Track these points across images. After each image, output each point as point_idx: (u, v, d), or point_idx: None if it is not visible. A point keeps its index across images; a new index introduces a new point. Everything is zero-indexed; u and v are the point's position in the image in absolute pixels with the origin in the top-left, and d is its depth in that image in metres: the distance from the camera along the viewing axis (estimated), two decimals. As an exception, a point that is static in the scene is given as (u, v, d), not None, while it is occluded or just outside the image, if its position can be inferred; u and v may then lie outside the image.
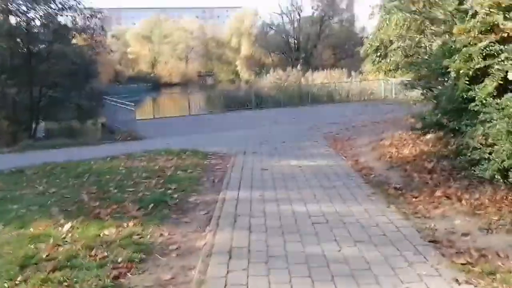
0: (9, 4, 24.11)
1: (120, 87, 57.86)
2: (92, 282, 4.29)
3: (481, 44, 6.26)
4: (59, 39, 25.36)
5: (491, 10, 6.20)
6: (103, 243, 5.29)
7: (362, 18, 62.25)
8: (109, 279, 4.36)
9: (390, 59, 28.19)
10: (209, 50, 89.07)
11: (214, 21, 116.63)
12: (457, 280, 4.05)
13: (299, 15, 68.94)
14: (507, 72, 5.94)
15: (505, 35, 6.23)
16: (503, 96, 5.89)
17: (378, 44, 30.19)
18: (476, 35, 6.41)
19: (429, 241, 4.95)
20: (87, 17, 26.05)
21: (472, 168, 6.04)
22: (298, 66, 38.11)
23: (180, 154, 10.98)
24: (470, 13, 6.64)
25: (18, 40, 24.42)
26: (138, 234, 5.60)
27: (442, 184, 6.91)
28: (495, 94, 6.05)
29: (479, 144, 5.87)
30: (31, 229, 5.93)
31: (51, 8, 25.00)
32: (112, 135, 18.33)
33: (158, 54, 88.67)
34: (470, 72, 6.40)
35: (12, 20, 24.66)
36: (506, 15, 6.20)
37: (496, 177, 5.61)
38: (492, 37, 6.26)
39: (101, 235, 5.61)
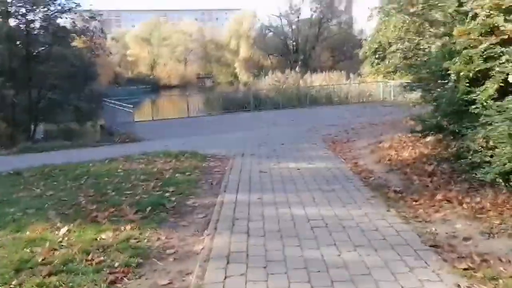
0: (9, 7, 24.07)
1: (119, 89, 57.97)
2: (88, 287, 4.24)
3: (482, 46, 6.22)
4: (58, 42, 25.43)
5: (492, 12, 6.16)
6: (99, 247, 5.22)
7: (360, 20, 62.24)
8: (106, 284, 4.30)
9: (388, 61, 28.35)
10: (208, 52, 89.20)
11: (213, 24, 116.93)
12: (459, 286, 3.99)
13: (298, 17, 69.06)
14: (508, 74, 5.90)
15: (506, 37, 6.19)
16: (504, 99, 5.85)
17: (376, 46, 30.49)
18: (476, 37, 6.36)
19: (430, 246, 4.87)
20: (86, 19, 26.03)
21: (473, 171, 5.98)
22: (297, 68, 38.11)
23: (179, 156, 10.92)
24: (470, 15, 6.59)
25: (17, 42, 24.38)
26: (135, 238, 5.53)
27: (442, 187, 6.84)
28: (496, 96, 6.01)
29: (480, 147, 5.81)
30: (28, 233, 5.86)
31: (50, 10, 25.05)
32: (111, 137, 18.28)
33: (157, 56, 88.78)
34: (471, 74, 6.36)
35: (12, 22, 24.65)
36: (507, 17, 6.15)
37: (497, 180, 5.56)
38: (493, 39, 6.21)
39: (98, 239, 5.54)
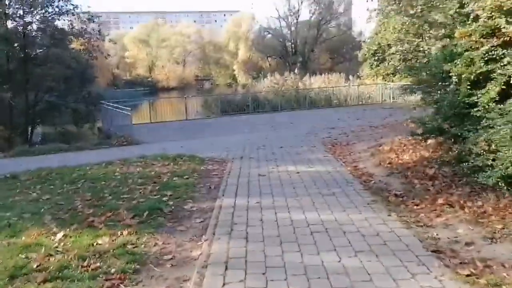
0: (6, 9, 24.00)
1: (117, 91, 57.92)
2: (84, 294, 4.15)
3: (483, 48, 6.16)
4: (56, 44, 25.36)
5: (493, 13, 6.09)
6: (96, 253, 5.13)
7: (360, 22, 62.17)
8: (101, 291, 4.22)
9: (388, 63, 28.35)
10: (207, 54, 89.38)
11: (212, 25, 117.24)
12: (462, 293, 3.91)
13: (297, 19, 69.20)
14: (510, 76, 5.83)
15: (507, 39, 6.13)
16: (506, 101, 5.78)
17: (376, 48, 30.48)
18: (477, 39, 6.30)
19: (432, 251, 4.79)
20: (84, 21, 25.95)
21: (475, 175, 5.90)
22: (296, 70, 38.08)
23: (177, 159, 10.84)
24: (471, 16, 6.52)
25: (15, 44, 24.30)
26: (132, 243, 5.45)
27: (443, 191, 6.76)
28: (498, 99, 5.94)
29: (482, 151, 5.73)
30: (23, 238, 5.77)
31: (48, 12, 24.98)
32: (109, 140, 18.14)
33: (155, 58, 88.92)
34: (472, 77, 6.29)
35: (9, 24, 24.56)
36: (508, 18, 6.09)
37: (499, 184, 5.48)
38: (494, 41, 6.15)
39: (94, 244, 5.46)
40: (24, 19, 24.73)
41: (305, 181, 8.28)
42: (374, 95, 27.82)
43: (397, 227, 5.58)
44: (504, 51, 6.03)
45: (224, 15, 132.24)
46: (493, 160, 5.57)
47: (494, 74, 6.06)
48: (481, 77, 6.29)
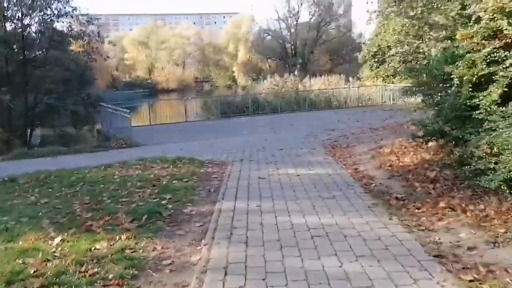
0: (5, 11, 23.95)
1: (117, 93, 57.90)
2: (81, 301, 4.09)
3: (485, 50, 6.11)
4: (55, 46, 25.31)
5: (495, 15, 6.03)
6: (94, 258, 5.07)
7: (359, 23, 62.15)
8: (99, 297, 4.16)
9: (388, 65, 28.29)
10: (206, 56, 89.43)
11: (211, 27, 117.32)
12: (465, 299, 3.85)
13: (296, 20, 69.21)
14: (512, 79, 5.77)
15: (509, 40, 6.08)
16: (508, 104, 5.73)
17: (376, 50, 30.44)
18: (479, 41, 6.24)
19: (434, 256, 4.73)
20: (83, 23, 25.90)
21: (477, 178, 5.84)
22: (295, 72, 38.07)
23: (176, 162, 10.77)
24: (473, 18, 6.47)
25: (14, 46, 24.24)
26: (130, 248, 5.38)
27: (445, 194, 6.69)
28: (499, 101, 5.88)
29: (483, 154, 5.66)
30: (20, 243, 5.70)
31: (47, 14, 24.92)
32: (108, 142, 18.08)
33: (155, 60, 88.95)
34: (474, 79, 6.24)
35: (8, 26, 24.52)
36: (510, 20, 6.03)
37: (502, 188, 5.42)
38: (496, 43, 6.10)
39: (92, 249, 5.39)
40: (23, 21, 24.69)
41: (305, 184, 8.22)
42: (374, 96, 27.78)
43: (398, 231, 5.52)
44: (506, 53, 5.97)
45: (224, 17, 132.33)
46: (495, 163, 5.50)
47: (496, 76, 6.01)
48: (482, 79, 6.23)
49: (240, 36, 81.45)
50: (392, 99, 26.21)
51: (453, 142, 7.34)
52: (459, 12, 6.99)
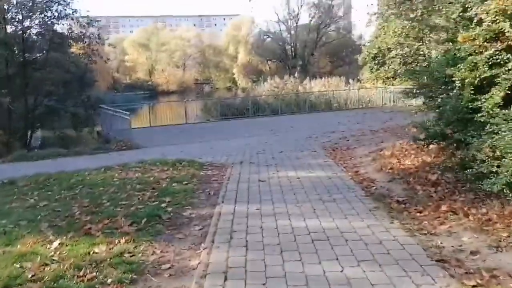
0: (5, 13, 23.92)
1: (117, 95, 57.93)
2: (79, 306, 4.05)
3: (487, 53, 6.05)
4: (55, 48, 25.29)
5: (497, 17, 5.98)
6: (92, 262, 5.02)
7: (359, 25, 62.20)
8: (97, 302, 4.11)
9: (388, 67, 28.30)
10: (206, 58, 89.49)
11: (212, 29, 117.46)
12: (468, 305, 3.80)
13: (296, 23, 69.28)
14: (514, 81, 5.72)
15: (512, 43, 6.02)
16: (511, 107, 5.68)
17: (376, 52, 30.44)
18: (481, 43, 6.19)
19: (437, 260, 4.66)
20: (84, 25, 25.87)
21: (479, 181, 5.78)
22: (296, 74, 38.04)
23: (176, 164, 10.73)
24: (475, 20, 6.41)
25: (14, 48, 24.22)
26: (129, 252, 5.33)
27: (447, 197, 6.63)
28: (502, 104, 5.83)
29: (486, 157, 5.61)
30: (18, 246, 5.65)
31: (47, 16, 24.90)
32: (108, 144, 18.06)
33: (155, 62, 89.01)
34: (476, 82, 6.18)
35: (8, 28, 24.49)
36: (513, 22, 5.98)
37: (504, 191, 5.36)
38: (498, 45, 6.04)
39: (91, 253, 5.34)
40: (23, 24, 24.67)
41: (306, 187, 8.17)
42: (374, 98, 27.74)
43: (400, 235, 5.46)
44: (509, 55, 5.92)
45: (224, 19, 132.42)
46: (498, 166, 5.44)
47: (498, 79, 5.95)
48: (485, 82, 6.18)
49: (240, 38, 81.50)
50: (392, 101, 26.18)
51: (455, 145, 7.29)
52: (460, 14, 6.94)
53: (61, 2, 25.12)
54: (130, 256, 5.22)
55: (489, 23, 6.09)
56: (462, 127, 6.65)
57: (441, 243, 5.18)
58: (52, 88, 24.55)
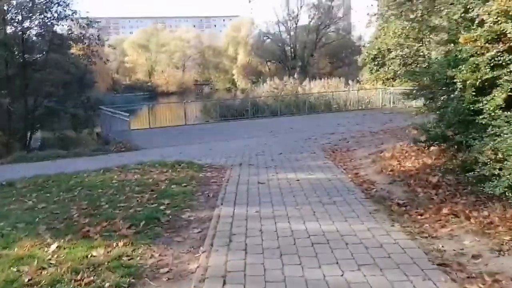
0: (5, 14, 23.87)
1: (117, 96, 57.91)
2: (76, 310, 3.99)
3: (489, 54, 6.00)
4: (55, 49, 25.23)
5: (499, 18, 5.93)
6: (90, 266, 4.96)
7: (359, 26, 62.27)
8: (94, 307, 4.06)
9: (388, 68, 28.27)
10: (206, 59, 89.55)
11: (211, 30, 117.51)
12: (470, 310, 3.74)
13: (296, 24, 69.28)
14: (516, 83, 5.67)
15: (514, 44, 5.97)
16: (513, 109, 5.63)
17: (376, 53, 30.42)
18: (483, 44, 6.14)
19: (438, 265, 4.61)
20: (83, 26, 25.83)
21: (481, 184, 5.72)
22: (295, 75, 38.00)
23: (175, 166, 10.68)
24: (476, 21, 6.36)
25: (14, 49, 24.16)
26: (127, 255, 5.28)
27: (448, 200, 6.57)
28: (504, 106, 5.78)
29: (488, 159, 5.55)
30: (15, 250, 5.60)
31: (46, 17, 24.84)
32: (107, 145, 18.01)
33: (155, 63, 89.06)
34: (477, 83, 6.13)
35: (8, 29, 24.43)
36: (515, 23, 5.93)
37: (507, 194, 5.30)
38: (500, 46, 5.99)
39: (88, 256, 5.28)
40: (23, 25, 24.60)
41: (305, 189, 8.11)
42: (374, 100, 27.70)
43: (401, 238, 5.40)
44: (511, 56, 5.87)
45: (224, 20, 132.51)
46: (500, 169, 5.39)
47: (500, 81, 5.90)
48: (486, 84, 6.12)
49: (239, 39, 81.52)
50: (392, 102, 26.14)
51: (456, 147, 7.23)
52: (462, 15, 6.89)
53: (60, 3, 25.09)
54: (128, 260, 5.17)
55: (491, 24, 6.04)
56: (463, 129, 6.59)
57: (442, 246, 5.13)
58: (52, 89, 24.48)
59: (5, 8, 23.93)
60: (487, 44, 6.14)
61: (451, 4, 7.57)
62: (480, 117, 5.98)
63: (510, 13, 5.84)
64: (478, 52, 6.23)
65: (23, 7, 24.18)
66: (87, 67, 27.92)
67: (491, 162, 5.52)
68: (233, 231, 5.98)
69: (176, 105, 32.58)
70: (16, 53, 24.44)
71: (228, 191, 8.24)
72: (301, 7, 68.22)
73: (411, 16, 15.09)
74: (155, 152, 13.91)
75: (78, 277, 4.66)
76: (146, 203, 7.61)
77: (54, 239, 5.88)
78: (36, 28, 25.33)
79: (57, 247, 5.59)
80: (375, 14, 22.31)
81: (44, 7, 24.51)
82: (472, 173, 5.90)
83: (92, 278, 4.65)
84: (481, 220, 5.66)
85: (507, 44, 5.96)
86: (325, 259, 4.90)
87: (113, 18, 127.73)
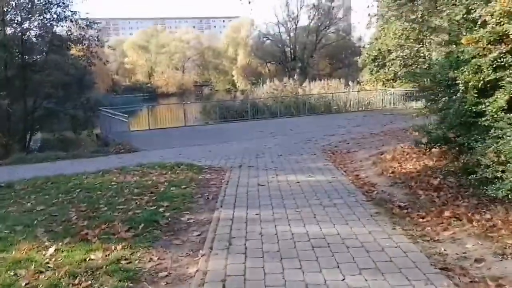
0: (4, 15, 23.83)
1: (117, 97, 57.90)
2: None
3: (491, 55, 5.94)
4: (55, 50, 25.25)
5: (502, 19, 5.87)
6: (88, 270, 4.91)
7: (359, 27, 62.27)
8: (92, 312, 4.00)
9: (388, 69, 28.24)
10: (206, 60, 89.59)
11: (211, 31, 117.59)
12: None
13: (296, 24, 69.28)
14: (519, 85, 5.61)
15: (516, 45, 5.91)
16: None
17: (376, 54, 30.37)
18: (485, 46, 6.08)
19: (440, 269, 4.55)
20: (83, 28, 25.81)
21: (483, 186, 5.66)
22: (295, 76, 37.92)
23: (174, 168, 10.63)
24: (479, 22, 6.31)
25: (13, 50, 24.11)
26: (126, 259, 5.21)
27: (450, 203, 6.50)
28: (506, 108, 5.72)
29: (490, 162, 5.49)
30: (13, 253, 5.54)
31: (46, 18, 24.84)
32: (107, 147, 17.95)
33: (154, 64, 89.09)
34: (480, 85, 6.07)
35: (7, 30, 24.39)
36: (517, 24, 5.87)
37: (509, 197, 5.24)
38: (503, 47, 5.93)
39: (87, 259, 5.22)
40: (23, 26, 24.60)
41: (306, 192, 8.04)
42: (374, 101, 27.61)
43: (402, 242, 5.34)
44: (514, 58, 5.82)
45: (223, 21, 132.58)
46: (503, 172, 5.33)
47: (503, 82, 5.84)
48: (489, 85, 6.07)
49: (239, 40, 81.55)
50: (392, 103, 26.08)
51: (457, 149, 7.18)
52: (464, 16, 6.83)
53: (60, 4, 25.13)
54: (127, 263, 5.11)
55: (494, 25, 5.99)
56: (465, 131, 6.54)
57: (444, 250, 5.06)
58: (51, 90, 24.48)
59: (5, 9, 23.91)
60: (489, 45, 6.08)
61: (453, 5, 7.53)
62: (483, 119, 5.93)
63: (513, 14, 5.79)
64: (480, 54, 6.18)
65: (22, 8, 24.21)
66: (87, 68, 27.93)
67: (493, 164, 5.46)
68: (233, 234, 5.92)
69: (175, 106, 32.45)
70: (15, 54, 24.43)
71: (228, 194, 8.18)
72: (301, 8, 68.31)
73: (412, 17, 15.07)
74: (155, 153, 13.86)
75: (76, 281, 4.61)
76: (145, 205, 7.54)
77: (52, 242, 5.83)
78: (35, 29, 25.42)
79: (55, 250, 5.54)
80: (375, 15, 22.31)
81: (44, 8, 24.53)
82: (474, 175, 5.85)
83: (90, 282, 4.60)
84: (483, 223, 5.60)
85: (510, 45, 5.90)
86: (325, 263, 4.84)
87: (112, 19, 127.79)
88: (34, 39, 25.72)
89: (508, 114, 5.60)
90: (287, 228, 6.07)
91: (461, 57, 6.61)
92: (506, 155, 5.26)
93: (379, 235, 5.61)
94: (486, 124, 5.85)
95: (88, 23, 26.04)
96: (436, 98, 7.84)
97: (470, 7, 6.61)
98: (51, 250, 5.54)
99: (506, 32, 5.85)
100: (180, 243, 5.79)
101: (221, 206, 7.34)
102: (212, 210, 7.15)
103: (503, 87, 5.82)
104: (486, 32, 6.06)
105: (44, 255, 5.43)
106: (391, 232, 5.70)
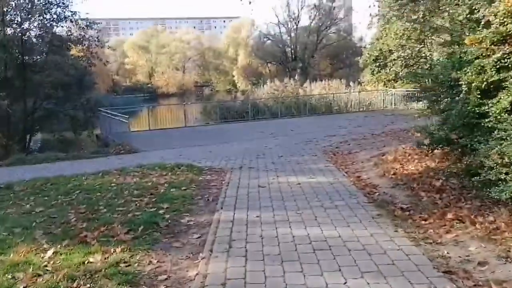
0: (4, 16, 23.78)
1: (117, 97, 57.87)
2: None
3: (495, 56, 5.88)
4: (54, 50, 25.19)
5: (505, 19, 5.81)
6: (87, 273, 4.84)
7: (360, 27, 62.24)
8: (90, 317, 3.94)
9: (389, 69, 28.17)
10: (206, 60, 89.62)
11: (211, 32, 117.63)
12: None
13: (296, 25, 69.28)
14: (522, 86, 5.55)
15: (520, 46, 5.85)
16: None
17: (377, 54, 30.29)
18: (488, 46, 6.01)
19: (443, 272, 4.48)
20: (83, 28, 25.76)
21: (486, 188, 5.60)
22: (296, 76, 37.88)
23: (174, 169, 10.56)
24: (482, 22, 6.25)
25: (13, 51, 24.06)
26: (125, 262, 5.15)
27: (452, 204, 6.44)
28: (510, 109, 5.65)
29: (494, 164, 5.42)
30: (11, 255, 5.47)
31: (46, 19, 24.78)
32: (107, 148, 17.91)
33: (155, 65, 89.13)
34: (483, 86, 6.01)
35: (7, 31, 24.33)
36: (522, 25, 5.81)
37: (513, 199, 5.18)
38: (506, 48, 5.87)
39: (85, 262, 5.16)
40: (22, 26, 24.52)
41: (307, 193, 7.98)
42: (375, 101, 27.58)
43: (405, 244, 5.27)
44: (517, 59, 5.76)
45: (224, 21, 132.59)
46: (507, 174, 5.26)
47: (506, 83, 5.78)
48: (492, 86, 6.00)
49: (240, 41, 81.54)
50: (394, 104, 26.02)
51: (460, 150, 7.11)
52: (467, 16, 6.77)
53: (60, 4, 25.05)
54: (126, 266, 5.05)
55: (497, 26, 5.93)
56: (468, 132, 6.48)
57: (447, 253, 5.00)
58: (51, 91, 24.39)
59: (4, 9, 23.85)
60: (493, 46, 6.02)
61: (456, 5, 7.47)
62: (486, 120, 5.87)
63: (517, 14, 5.73)
64: (483, 54, 6.12)
65: (22, 8, 24.15)
66: (87, 68, 27.88)
67: (497, 166, 5.40)
68: (233, 237, 5.86)
69: (176, 107, 32.42)
70: (15, 54, 24.33)
71: (228, 195, 8.12)
72: (301, 8, 68.33)
73: (413, 17, 15.01)
74: (155, 154, 13.82)
75: (75, 285, 4.56)
76: (145, 207, 7.49)
77: (51, 244, 5.78)
78: (35, 29, 25.34)
79: (53, 252, 5.48)
80: (376, 15, 22.25)
81: (44, 8, 24.47)
82: (477, 177, 5.79)
83: (88, 285, 4.55)
84: (486, 225, 5.53)
85: (514, 46, 5.84)
86: (327, 266, 4.78)
87: (113, 20, 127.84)
88: (34, 40, 25.64)
89: (511, 116, 5.54)
90: (288, 231, 6.01)
91: (464, 58, 6.55)
92: (510, 157, 5.19)
93: (381, 238, 5.55)
94: (489, 126, 5.79)
95: (88, 23, 25.98)
96: (438, 99, 7.77)
97: (473, 7, 6.56)
98: (50, 252, 5.49)
99: (510, 33, 5.79)
100: (180, 246, 5.73)
101: (222, 208, 7.28)
102: (212, 212, 7.09)
103: (506, 88, 5.75)
104: (490, 32, 5.99)
105: (42, 257, 5.37)
106: (393, 235, 5.64)
